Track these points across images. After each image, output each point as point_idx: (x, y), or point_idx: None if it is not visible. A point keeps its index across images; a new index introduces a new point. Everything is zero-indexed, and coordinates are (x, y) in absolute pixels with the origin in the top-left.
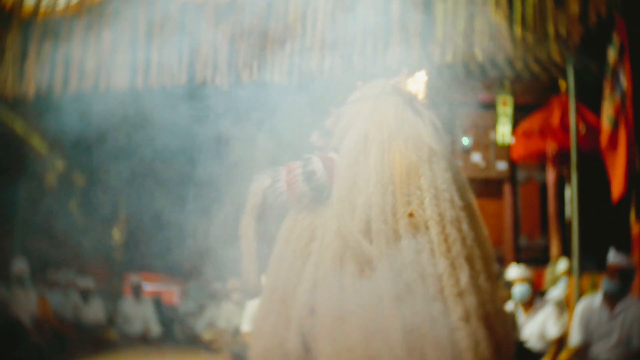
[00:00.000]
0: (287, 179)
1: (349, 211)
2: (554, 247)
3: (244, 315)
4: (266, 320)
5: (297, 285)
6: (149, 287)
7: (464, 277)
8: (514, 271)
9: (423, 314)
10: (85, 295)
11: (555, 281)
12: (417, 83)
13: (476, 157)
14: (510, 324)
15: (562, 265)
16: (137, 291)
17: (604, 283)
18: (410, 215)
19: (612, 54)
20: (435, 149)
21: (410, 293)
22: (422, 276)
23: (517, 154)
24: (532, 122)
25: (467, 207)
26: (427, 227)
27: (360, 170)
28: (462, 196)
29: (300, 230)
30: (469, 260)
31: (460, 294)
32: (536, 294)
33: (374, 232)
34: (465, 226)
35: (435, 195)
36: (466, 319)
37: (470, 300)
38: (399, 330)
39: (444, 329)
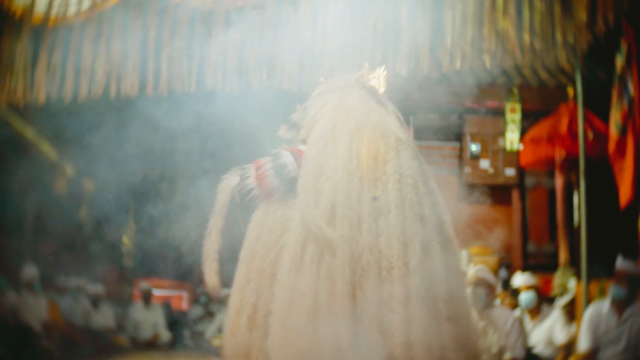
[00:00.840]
0: (257, 175)
1: (313, 198)
2: (563, 254)
3: None
4: (241, 313)
5: (272, 276)
6: (158, 292)
7: (414, 259)
8: (520, 279)
9: (373, 297)
10: (95, 300)
11: (563, 288)
12: (378, 77)
13: (485, 164)
14: (468, 310)
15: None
16: (146, 297)
17: (612, 289)
18: (374, 199)
19: (619, 61)
20: (401, 138)
21: (365, 276)
22: (378, 259)
23: (525, 160)
24: (541, 128)
25: (431, 194)
26: (388, 211)
27: (327, 158)
28: (426, 183)
29: (272, 222)
30: (424, 243)
31: (405, 276)
32: (544, 301)
33: (338, 217)
34: (426, 211)
35: (399, 180)
36: (405, 301)
37: (415, 282)
38: (348, 314)
39: (387, 311)
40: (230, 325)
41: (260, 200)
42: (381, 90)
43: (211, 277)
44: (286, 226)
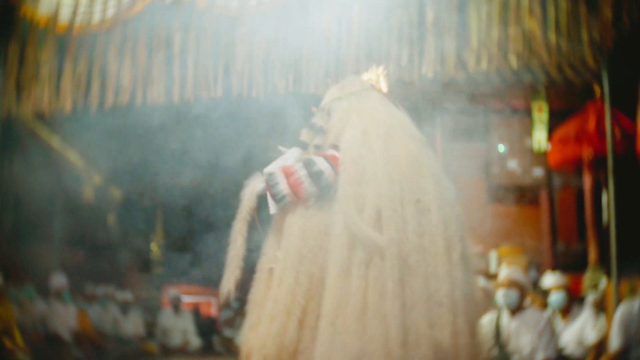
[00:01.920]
0: (291, 182)
1: (357, 204)
2: (592, 253)
3: None
4: (291, 316)
5: (321, 280)
6: (187, 299)
7: (455, 254)
8: (550, 279)
9: (421, 294)
10: (124, 308)
11: (593, 288)
12: (383, 79)
13: (512, 164)
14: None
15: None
16: (175, 303)
17: None
18: (417, 201)
19: None
20: (423, 139)
21: (413, 275)
22: (424, 257)
23: (553, 160)
24: (568, 128)
25: (452, 191)
26: (429, 211)
27: (365, 164)
28: (448, 181)
29: (312, 227)
30: (462, 239)
31: (449, 271)
32: (574, 301)
33: (384, 221)
34: (457, 208)
35: (436, 181)
36: (451, 293)
37: (458, 276)
38: (398, 313)
39: (435, 305)
40: (277, 328)
41: (293, 206)
42: (385, 91)
43: (229, 283)
44: (326, 231)
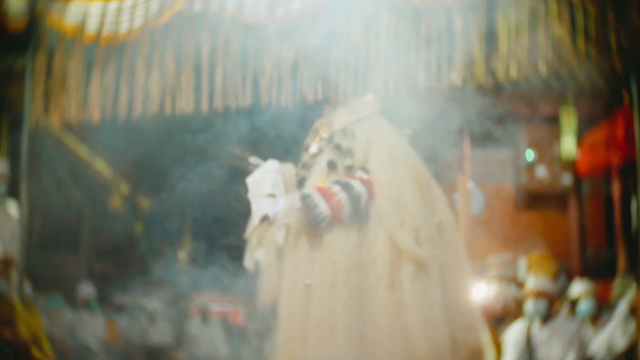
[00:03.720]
0: (331, 204)
1: (398, 223)
2: (621, 260)
3: None
4: (336, 331)
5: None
6: (215, 307)
7: (466, 265)
8: (579, 287)
9: (455, 301)
10: (152, 317)
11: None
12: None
13: (541, 171)
14: None
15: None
16: (204, 312)
17: None
18: (439, 222)
19: None
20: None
21: (448, 287)
22: (450, 271)
23: (582, 167)
24: (597, 134)
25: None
26: (445, 230)
27: (399, 187)
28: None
29: (351, 244)
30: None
31: (466, 278)
32: (604, 308)
33: (422, 240)
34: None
35: (447, 204)
36: (471, 302)
37: (469, 279)
38: (445, 320)
39: (465, 313)
40: (324, 341)
41: (328, 226)
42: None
43: (268, 293)
44: (360, 249)
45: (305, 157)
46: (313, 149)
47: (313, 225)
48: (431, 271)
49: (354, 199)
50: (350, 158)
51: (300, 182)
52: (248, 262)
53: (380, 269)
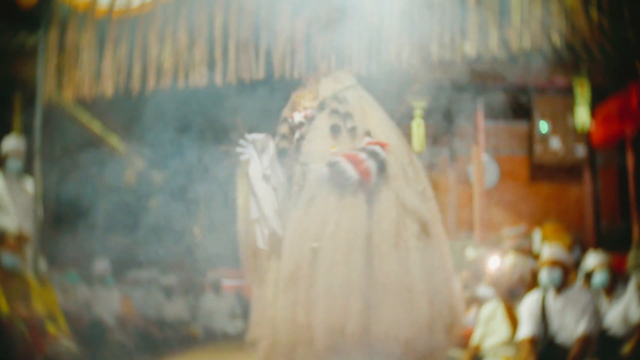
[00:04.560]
0: (360, 169)
1: (404, 183)
2: (636, 231)
3: None
4: (350, 291)
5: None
6: (230, 282)
7: (443, 231)
8: (594, 258)
9: (441, 264)
10: (167, 292)
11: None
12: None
13: (555, 143)
14: None
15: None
16: (216, 287)
17: None
18: (424, 189)
19: None
20: None
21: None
22: (438, 235)
23: (596, 138)
24: (611, 106)
25: None
26: (430, 199)
27: (400, 152)
28: None
29: (363, 207)
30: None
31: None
32: (618, 280)
33: (427, 201)
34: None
35: (426, 174)
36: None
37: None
38: (444, 280)
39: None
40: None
41: (354, 189)
42: None
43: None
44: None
45: (283, 129)
46: (298, 118)
47: (340, 189)
48: (432, 231)
49: (380, 164)
50: (351, 120)
51: (281, 153)
52: (260, 241)
53: (386, 227)
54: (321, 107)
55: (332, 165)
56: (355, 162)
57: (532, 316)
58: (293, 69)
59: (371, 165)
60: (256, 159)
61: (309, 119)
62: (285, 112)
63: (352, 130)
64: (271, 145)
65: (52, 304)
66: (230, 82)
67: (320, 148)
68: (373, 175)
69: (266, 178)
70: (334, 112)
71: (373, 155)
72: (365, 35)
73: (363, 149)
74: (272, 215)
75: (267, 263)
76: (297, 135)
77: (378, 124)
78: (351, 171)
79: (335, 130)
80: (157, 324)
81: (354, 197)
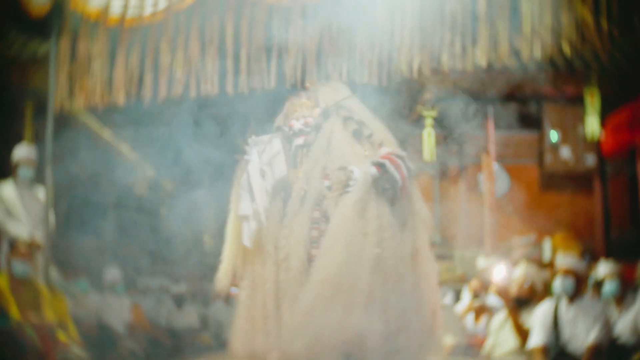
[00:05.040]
0: (401, 173)
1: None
2: None
3: None
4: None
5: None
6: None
7: None
8: (604, 268)
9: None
10: (178, 300)
11: None
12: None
13: (565, 152)
14: None
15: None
16: (226, 295)
17: None
18: None
19: None
20: None
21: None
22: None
23: (607, 147)
24: (621, 115)
25: None
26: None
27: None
28: None
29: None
30: None
31: None
32: (628, 289)
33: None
34: None
35: None
36: None
37: None
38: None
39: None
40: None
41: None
42: None
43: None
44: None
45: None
46: (297, 126)
47: (385, 193)
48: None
49: (410, 172)
50: (367, 128)
51: None
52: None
53: (413, 237)
54: (325, 115)
55: (381, 165)
56: (396, 165)
57: (544, 325)
58: (304, 78)
59: (405, 169)
60: (256, 157)
61: (314, 127)
62: (279, 120)
63: (369, 138)
64: (275, 144)
65: (63, 311)
66: (241, 90)
67: (348, 153)
68: (408, 182)
69: (262, 174)
70: (348, 119)
71: (405, 162)
72: (376, 45)
73: (395, 154)
74: (262, 211)
75: (262, 269)
76: (298, 142)
77: (385, 134)
78: (396, 174)
79: (357, 135)
80: (168, 332)
81: (399, 202)
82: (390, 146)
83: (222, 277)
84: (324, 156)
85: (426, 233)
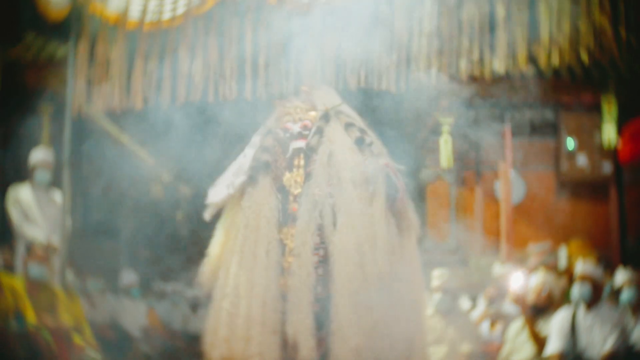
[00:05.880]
0: (399, 184)
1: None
2: None
3: None
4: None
5: None
6: None
7: None
8: (621, 275)
9: None
10: (193, 305)
11: None
12: None
13: (581, 160)
14: None
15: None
16: None
17: None
18: None
19: None
20: None
21: None
22: None
23: (623, 155)
24: (638, 123)
25: None
26: None
27: None
28: None
29: None
30: None
31: None
32: None
33: None
34: None
35: None
36: None
37: None
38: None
39: None
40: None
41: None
42: None
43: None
44: None
45: (267, 141)
46: (296, 128)
47: (388, 199)
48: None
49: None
50: (368, 136)
51: (265, 166)
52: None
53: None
54: (326, 118)
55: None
56: (395, 175)
57: (562, 332)
58: (323, 83)
59: (403, 183)
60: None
61: (315, 130)
62: (271, 123)
63: (370, 146)
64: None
65: (79, 314)
66: (260, 96)
67: (349, 161)
68: (405, 195)
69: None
70: (350, 125)
71: (401, 174)
72: (394, 51)
73: (394, 165)
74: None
75: (251, 274)
76: (297, 145)
77: (380, 145)
78: (398, 183)
79: (359, 142)
80: (183, 336)
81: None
82: (385, 158)
83: (207, 273)
84: (329, 162)
85: (415, 241)
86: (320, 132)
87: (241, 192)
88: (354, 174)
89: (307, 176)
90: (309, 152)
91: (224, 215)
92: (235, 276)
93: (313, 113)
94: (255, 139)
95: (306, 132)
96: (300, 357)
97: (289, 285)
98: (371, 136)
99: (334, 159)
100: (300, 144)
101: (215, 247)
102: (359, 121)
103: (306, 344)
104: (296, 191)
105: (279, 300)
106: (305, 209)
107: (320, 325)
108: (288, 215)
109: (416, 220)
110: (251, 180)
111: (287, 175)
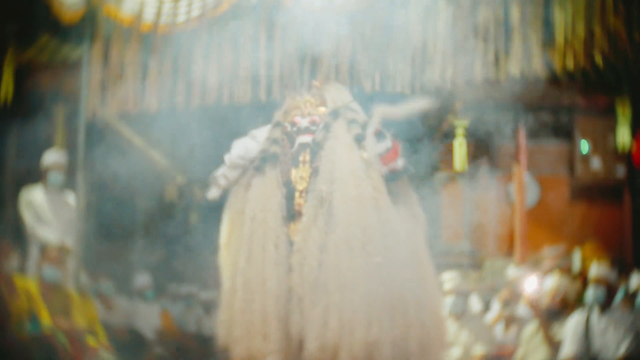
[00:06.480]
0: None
1: None
2: None
3: None
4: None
5: None
6: None
7: None
8: (635, 279)
9: None
10: (207, 307)
11: None
12: None
13: (595, 163)
14: None
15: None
16: None
17: None
18: None
19: None
20: None
21: None
22: None
23: (637, 159)
24: None
25: None
26: None
27: None
28: None
29: None
30: None
31: None
32: None
33: None
34: None
35: None
36: None
37: None
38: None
39: None
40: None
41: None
42: None
43: None
44: None
45: (275, 133)
46: (304, 123)
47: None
48: None
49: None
50: (382, 133)
51: (272, 157)
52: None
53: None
54: (335, 115)
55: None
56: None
57: (576, 336)
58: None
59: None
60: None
61: (323, 126)
62: (279, 116)
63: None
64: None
65: (93, 316)
66: (274, 98)
67: (345, 158)
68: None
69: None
70: (352, 122)
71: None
72: (409, 54)
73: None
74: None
75: (261, 269)
76: (303, 139)
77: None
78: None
79: (359, 139)
80: (197, 338)
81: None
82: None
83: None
84: (333, 158)
85: (423, 237)
86: (327, 128)
87: (248, 182)
88: (349, 170)
89: (314, 172)
90: (315, 148)
91: (229, 203)
92: (244, 271)
93: (322, 109)
94: (256, 132)
95: (314, 128)
96: (308, 354)
97: (294, 281)
98: (383, 133)
99: (334, 155)
100: (307, 138)
101: (223, 236)
102: (363, 118)
103: (314, 341)
104: (301, 187)
105: (289, 295)
106: (311, 204)
107: (327, 320)
108: (294, 211)
109: (422, 215)
110: (258, 171)
111: (293, 171)
